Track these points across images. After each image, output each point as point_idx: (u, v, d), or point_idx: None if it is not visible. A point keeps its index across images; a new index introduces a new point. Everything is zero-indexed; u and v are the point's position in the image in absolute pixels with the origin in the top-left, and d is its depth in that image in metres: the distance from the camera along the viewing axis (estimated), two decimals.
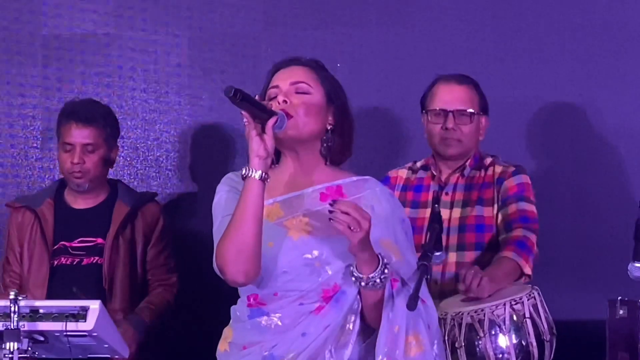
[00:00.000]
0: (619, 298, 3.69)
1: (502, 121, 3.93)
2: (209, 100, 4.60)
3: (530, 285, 3.49)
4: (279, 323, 2.70)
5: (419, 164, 3.89)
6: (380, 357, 2.64)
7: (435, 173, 3.82)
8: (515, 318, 3.33)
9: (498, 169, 3.79)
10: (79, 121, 4.02)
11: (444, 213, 3.71)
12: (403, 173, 3.90)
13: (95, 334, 3.20)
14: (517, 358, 3.31)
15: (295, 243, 2.69)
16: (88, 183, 4.04)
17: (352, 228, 2.56)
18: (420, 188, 3.82)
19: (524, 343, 3.32)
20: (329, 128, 2.79)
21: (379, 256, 2.65)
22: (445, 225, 3.69)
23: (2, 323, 3.13)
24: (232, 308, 2.81)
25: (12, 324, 3.12)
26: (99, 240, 4.03)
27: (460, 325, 3.32)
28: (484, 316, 3.31)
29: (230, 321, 2.81)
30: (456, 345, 3.32)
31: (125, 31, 4.60)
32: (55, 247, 4.03)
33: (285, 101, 2.74)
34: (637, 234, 3.22)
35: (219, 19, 4.65)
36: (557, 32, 4.62)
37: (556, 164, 4.54)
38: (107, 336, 3.27)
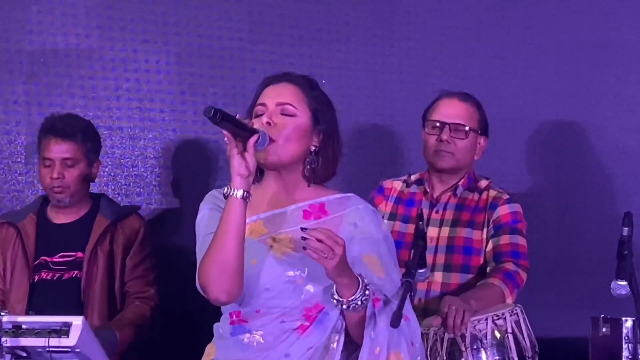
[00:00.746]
0: (602, 316, 3.69)
1: (495, 138, 3.94)
2: (193, 116, 4.59)
3: (513, 303, 3.50)
4: (261, 340, 2.70)
5: (413, 178, 3.90)
6: None
7: (428, 189, 3.82)
8: (497, 333, 3.33)
9: (492, 193, 3.79)
10: (57, 136, 4.01)
11: (433, 231, 3.72)
12: (398, 185, 3.90)
13: (78, 350, 3.18)
14: None
15: (278, 260, 2.69)
16: (69, 198, 4.03)
17: (325, 255, 2.55)
18: (412, 203, 3.83)
19: (505, 359, 3.33)
20: (312, 150, 2.79)
21: (359, 278, 2.65)
22: (433, 243, 3.70)
23: None
24: (215, 325, 2.81)
25: None
26: (79, 254, 4.01)
27: (442, 340, 3.33)
28: (466, 331, 3.31)
29: (213, 338, 2.81)
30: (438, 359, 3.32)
31: (110, 46, 4.59)
32: (36, 262, 4.02)
33: (269, 122, 2.73)
34: (620, 252, 3.22)
35: (204, 34, 4.65)
36: (546, 51, 4.64)
37: (541, 182, 4.56)
38: (90, 352, 3.25)
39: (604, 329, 3.67)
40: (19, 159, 4.61)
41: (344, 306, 2.64)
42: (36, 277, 4.00)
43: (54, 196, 4.03)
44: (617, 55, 4.62)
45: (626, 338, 3.52)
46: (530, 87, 4.62)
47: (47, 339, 3.15)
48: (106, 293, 4.01)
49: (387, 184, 3.91)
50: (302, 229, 2.59)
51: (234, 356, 2.72)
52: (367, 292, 2.64)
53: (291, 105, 2.76)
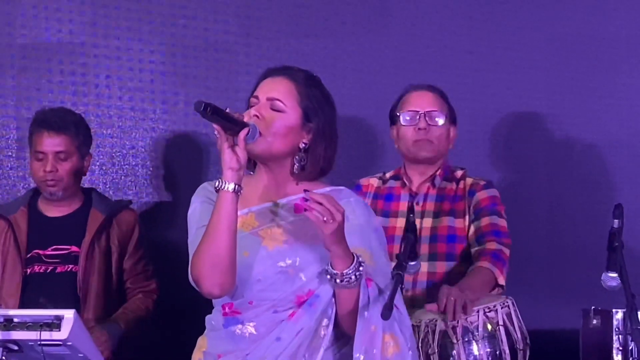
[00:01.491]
0: (593, 307, 3.71)
1: (475, 132, 3.95)
2: (184, 109, 4.60)
3: (504, 295, 3.51)
4: (254, 332, 2.70)
5: (388, 175, 3.93)
6: (358, 354, 2.64)
7: (406, 182, 3.84)
8: (488, 326, 3.34)
9: (469, 181, 3.84)
10: (50, 129, 4.01)
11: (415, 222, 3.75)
12: (374, 182, 3.93)
13: (69, 343, 3.19)
14: None
15: (270, 252, 2.70)
16: (62, 191, 4.04)
17: (325, 219, 2.56)
18: (391, 197, 3.85)
19: (497, 351, 3.34)
20: (301, 147, 2.79)
21: (354, 254, 2.66)
22: None
23: None
24: (207, 317, 2.81)
25: None
26: (73, 248, 4.01)
27: (434, 332, 3.34)
28: (458, 323, 3.32)
29: (205, 330, 2.81)
30: (429, 352, 3.33)
31: (101, 40, 4.59)
32: (29, 255, 4.02)
33: (257, 115, 2.74)
34: (610, 244, 3.23)
35: (195, 29, 4.65)
36: (528, 44, 4.65)
37: (530, 174, 4.57)
38: (81, 345, 3.26)
39: (594, 321, 3.69)
40: (10, 153, 4.61)
41: (338, 280, 2.64)
42: (29, 270, 4.00)
43: (47, 189, 4.03)
44: (607, 48, 4.63)
45: (617, 330, 3.54)
46: (520, 80, 4.63)
47: (38, 332, 3.15)
48: (102, 288, 4.02)
49: (363, 181, 3.95)
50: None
51: (226, 347, 2.72)
52: (360, 268, 2.65)
53: (280, 101, 2.76)
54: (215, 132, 2.64)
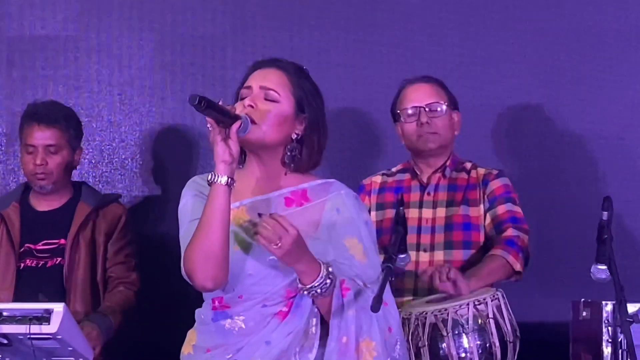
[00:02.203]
0: (582, 300, 3.72)
1: (468, 124, 3.96)
2: (174, 103, 4.59)
3: (494, 287, 3.52)
4: (243, 326, 2.70)
5: (394, 169, 3.94)
6: None
7: (417, 172, 3.86)
8: (478, 318, 3.35)
9: (481, 171, 3.86)
10: (41, 123, 4.00)
11: (428, 212, 3.78)
12: (377, 179, 3.94)
13: (59, 336, 3.19)
14: (479, 358, 3.33)
15: (261, 246, 2.69)
16: (52, 185, 4.03)
17: (271, 243, 2.57)
18: (400, 189, 3.85)
19: (487, 344, 3.34)
20: (294, 137, 2.79)
21: (322, 266, 2.66)
22: (429, 224, 3.75)
23: None
24: (197, 311, 2.81)
25: None
26: (62, 241, 4.01)
27: (424, 325, 3.34)
28: (448, 316, 3.33)
29: (195, 324, 2.81)
30: (419, 345, 3.33)
31: (90, 33, 4.58)
32: (22, 249, 4.01)
33: (251, 106, 2.74)
34: (599, 236, 3.24)
35: (185, 22, 4.64)
36: (522, 36, 4.65)
37: (520, 166, 4.58)
38: (71, 339, 3.26)
39: (584, 313, 3.69)
40: None
41: (305, 292, 2.66)
42: (22, 265, 4.00)
43: (37, 183, 4.03)
44: (597, 41, 4.64)
45: (606, 322, 3.54)
46: (511, 73, 4.63)
47: (28, 325, 3.16)
48: (89, 280, 4.01)
49: (366, 181, 3.96)
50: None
51: (216, 341, 2.72)
52: (328, 280, 2.65)
53: (274, 91, 2.76)
54: (208, 125, 2.64)
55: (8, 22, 4.56)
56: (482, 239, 3.77)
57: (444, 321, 3.33)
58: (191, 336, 2.81)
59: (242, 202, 2.76)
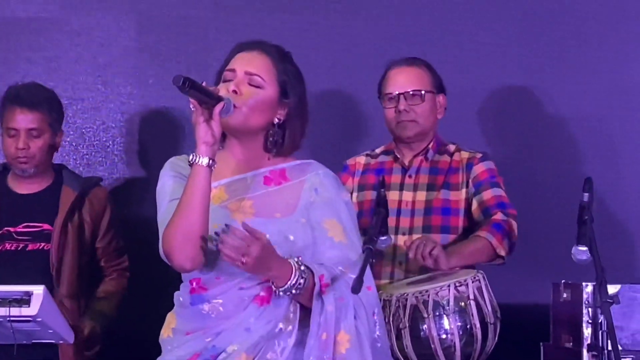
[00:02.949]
0: (563, 281, 3.73)
1: (452, 107, 3.96)
2: (156, 85, 4.57)
3: (475, 269, 3.53)
4: (221, 309, 2.70)
5: (378, 150, 3.93)
6: (312, 358, 2.64)
7: (398, 156, 3.85)
8: (459, 300, 3.35)
9: (465, 154, 3.85)
10: (23, 106, 3.98)
11: (408, 195, 3.78)
12: (361, 159, 3.94)
13: (39, 319, 3.19)
14: (460, 340, 3.34)
15: (239, 226, 2.69)
16: (34, 168, 4.02)
17: (239, 261, 2.55)
18: (382, 171, 3.84)
19: (467, 325, 3.35)
20: (276, 122, 2.79)
21: (292, 265, 2.64)
22: (409, 207, 3.75)
23: None
24: (175, 294, 2.80)
25: None
26: (45, 225, 4.00)
27: (405, 306, 3.35)
28: (429, 297, 3.33)
29: (174, 307, 2.81)
30: (400, 326, 3.34)
31: (71, 15, 4.55)
32: (0, 232, 4.00)
33: (235, 91, 2.73)
34: (580, 217, 3.25)
35: (167, 3, 4.63)
36: (506, 18, 4.65)
37: (502, 148, 4.58)
38: (51, 321, 3.26)
39: (564, 295, 3.71)
40: None
41: (281, 293, 2.65)
42: (1, 248, 3.98)
43: (19, 166, 4.01)
44: (578, 22, 4.64)
45: (586, 303, 3.56)
46: (492, 55, 4.63)
47: (7, 308, 3.15)
48: (76, 265, 4.01)
49: (350, 161, 3.96)
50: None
51: (195, 325, 2.72)
52: (302, 280, 2.64)
53: (259, 76, 2.76)
54: (191, 106, 2.64)
55: None
56: (461, 224, 3.77)
57: (425, 303, 3.33)
58: (170, 319, 2.80)
59: (220, 182, 2.76)
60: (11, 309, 3.16)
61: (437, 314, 3.33)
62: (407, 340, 3.33)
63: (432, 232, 3.73)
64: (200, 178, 2.63)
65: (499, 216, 3.70)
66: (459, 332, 3.34)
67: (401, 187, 3.80)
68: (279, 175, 2.80)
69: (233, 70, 2.77)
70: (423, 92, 3.79)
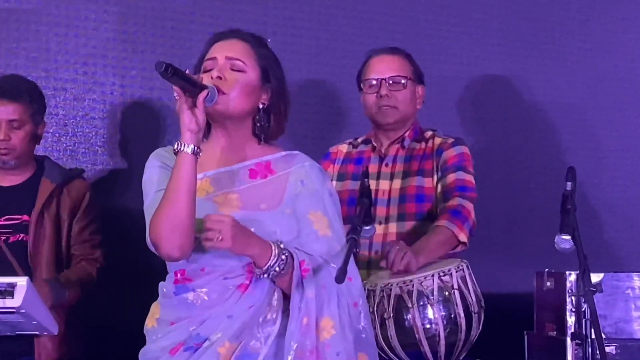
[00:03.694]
0: (546, 270, 3.75)
1: (433, 96, 3.97)
2: (138, 76, 4.56)
3: (459, 258, 3.54)
4: (206, 298, 2.70)
5: (360, 139, 3.94)
6: (292, 342, 2.65)
7: (376, 145, 3.85)
8: (443, 289, 3.36)
9: (438, 140, 3.85)
10: (3, 97, 3.96)
11: (385, 184, 3.77)
12: (343, 148, 3.95)
13: (23, 310, 3.17)
14: (444, 329, 3.34)
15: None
16: (15, 160, 3.99)
17: (213, 240, 2.58)
18: (361, 161, 3.86)
19: (452, 315, 3.36)
20: (261, 107, 2.79)
21: (272, 245, 2.66)
22: (385, 196, 3.75)
23: None
24: (160, 284, 2.81)
25: None
26: (25, 217, 3.98)
27: (389, 296, 3.35)
28: (413, 287, 3.34)
29: (158, 297, 2.81)
30: (385, 316, 3.34)
31: (53, 6, 4.52)
32: None
33: (219, 77, 2.73)
34: (563, 206, 3.26)
35: None
36: (486, 7, 4.66)
37: (485, 137, 4.59)
38: (35, 313, 3.24)
39: (548, 283, 3.72)
40: None
41: (265, 275, 2.66)
42: None
43: (0, 158, 3.99)
44: (559, 12, 4.65)
45: (570, 292, 3.58)
46: (474, 43, 4.64)
47: None
48: (54, 256, 3.98)
49: (333, 148, 3.97)
50: None
51: (179, 314, 2.72)
52: (283, 257, 2.66)
53: (240, 60, 2.78)
54: (175, 94, 2.64)
55: None
56: (434, 209, 3.77)
57: (409, 292, 3.34)
58: (154, 310, 2.80)
59: (205, 174, 2.76)
60: None
61: (422, 303, 3.34)
62: (391, 330, 3.34)
63: (406, 219, 3.73)
64: (186, 166, 2.63)
65: (455, 201, 3.69)
66: (443, 322, 3.34)
67: (378, 176, 3.81)
68: (264, 168, 2.80)
69: (214, 59, 2.78)
70: (405, 78, 3.80)
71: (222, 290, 2.70)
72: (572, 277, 3.57)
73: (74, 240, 4.04)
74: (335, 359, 2.66)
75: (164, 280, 2.80)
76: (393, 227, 3.72)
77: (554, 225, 3.27)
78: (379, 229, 3.69)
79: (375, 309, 3.34)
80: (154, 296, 2.83)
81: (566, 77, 4.62)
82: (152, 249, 2.67)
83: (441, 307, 3.35)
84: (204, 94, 2.64)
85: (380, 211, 3.75)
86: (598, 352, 3.15)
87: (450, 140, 3.83)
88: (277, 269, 2.65)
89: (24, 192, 4.03)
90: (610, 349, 3.55)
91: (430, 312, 3.34)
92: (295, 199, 2.76)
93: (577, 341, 3.49)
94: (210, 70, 2.77)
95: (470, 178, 3.76)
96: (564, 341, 3.56)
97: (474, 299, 3.40)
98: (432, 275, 3.36)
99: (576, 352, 3.50)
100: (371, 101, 3.82)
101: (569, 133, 4.61)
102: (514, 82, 4.65)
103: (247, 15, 4.55)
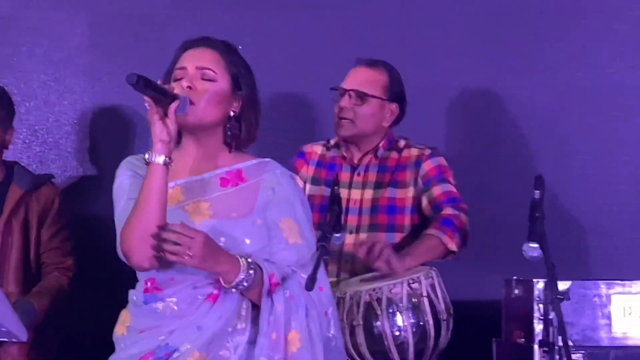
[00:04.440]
0: (515, 278, 3.77)
1: (411, 106, 3.98)
2: (109, 83, 4.55)
3: (428, 266, 3.55)
4: (175, 308, 2.70)
5: (332, 142, 3.92)
6: (262, 358, 2.65)
7: (345, 154, 3.85)
8: (412, 297, 3.38)
9: (414, 151, 3.84)
10: None
11: (356, 193, 3.78)
12: (318, 149, 3.93)
13: None
14: (413, 336, 3.36)
15: (197, 228, 2.68)
16: None
17: (184, 255, 2.56)
18: (334, 167, 3.85)
19: (421, 322, 3.38)
20: (232, 115, 2.79)
21: (240, 260, 2.65)
22: (357, 205, 3.76)
23: None
24: (130, 292, 2.80)
25: None
26: None
27: (358, 304, 3.37)
28: (382, 295, 3.36)
29: (128, 304, 2.80)
30: (354, 323, 3.35)
31: (24, 11, 4.51)
32: None
33: (189, 87, 2.73)
34: (531, 214, 3.28)
35: (120, 1, 4.60)
36: (466, 18, 4.67)
37: (456, 146, 4.61)
38: (3, 319, 3.23)
39: (516, 291, 3.74)
40: None
41: (234, 290, 2.66)
42: None
43: None
44: (535, 21, 4.68)
45: (537, 299, 3.59)
46: (447, 53, 4.66)
47: None
48: (22, 263, 3.97)
49: (307, 148, 3.94)
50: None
51: (149, 323, 2.71)
52: (251, 271, 2.65)
53: (211, 70, 2.77)
54: (146, 104, 2.64)
55: None
56: (408, 222, 3.78)
57: (379, 300, 3.36)
58: (124, 317, 2.79)
59: (177, 182, 2.76)
60: None
61: (391, 310, 3.36)
62: (360, 337, 3.35)
63: (378, 230, 3.74)
64: (157, 177, 2.63)
65: (448, 211, 3.72)
66: (412, 329, 3.36)
67: (350, 185, 3.81)
68: (235, 176, 2.80)
69: (184, 68, 2.77)
70: (368, 95, 3.78)
71: (192, 300, 2.69)
72: (540, 284, 3.58)
73: (43, 247, 4.03)
74: None
75: (133, 287, 2.80)
76: (364, 237, 3.73)
77: (522, 233, 3.29)
78: (350, 238, 3.70)
79: (344, 316, 3.35)
80: (123, 303, 2.82)
81: (538, 86, 4.63)
82: (123, 258, 2.67)
83: (410, 315, 3.37)
84: (175, 104, 2.64)
85: (351, 220, 3.75)
86: (565, 359, 3.18)
87: (427, 151, 3.83)
88: (245, 284, 2.65)
89: None
90: (577, 356, 3.57)
91: (399, 320, 3.36)
92: (267, 206, 2.76)
93: (545, 349, 3.51)
94: (180, 79, 2.76)
95: (455, 190, 3.79)
96: (532, 348, 3.58)
97: (443, 306, 3.42)
98: (402, 283, 3.38)
99: (544, 359, 3.52)
100: (335, 111, 3.82)
101: (539, 141, 4.64)
102: (485, 91, 4.66)
103: (222, 24, 4.53)
